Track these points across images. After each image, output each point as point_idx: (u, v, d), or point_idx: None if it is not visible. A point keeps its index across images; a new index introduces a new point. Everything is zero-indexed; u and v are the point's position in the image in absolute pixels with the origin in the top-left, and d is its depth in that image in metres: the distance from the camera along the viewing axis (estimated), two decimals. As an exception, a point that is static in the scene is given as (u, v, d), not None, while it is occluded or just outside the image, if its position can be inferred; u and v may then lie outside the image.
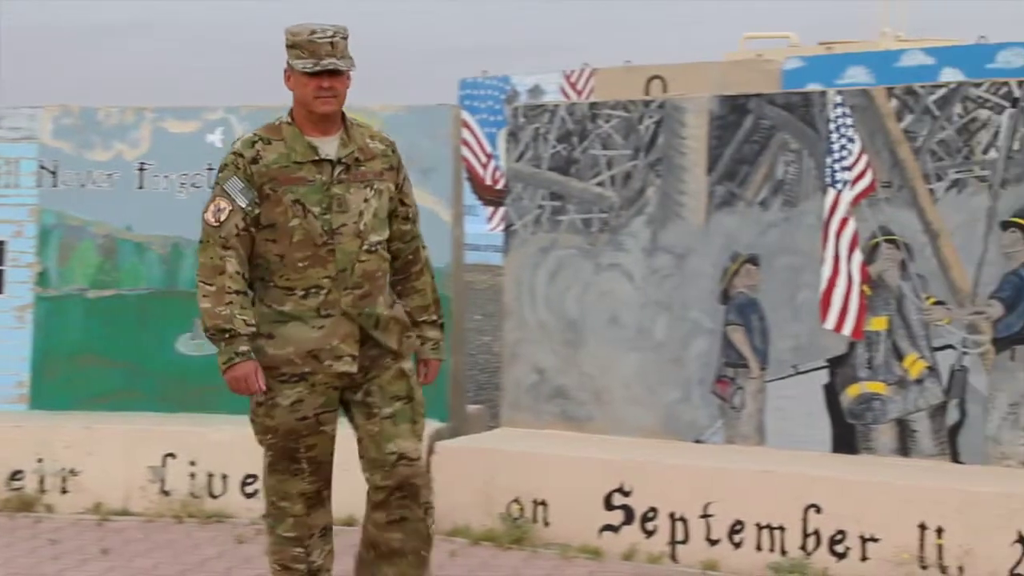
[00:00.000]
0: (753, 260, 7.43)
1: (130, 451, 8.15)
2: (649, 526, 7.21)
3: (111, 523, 7.99)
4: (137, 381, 8.51)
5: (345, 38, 5.56)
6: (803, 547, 6.80)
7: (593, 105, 8.07)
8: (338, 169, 5.58)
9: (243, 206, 5.51)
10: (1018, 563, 6.34)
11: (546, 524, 7.44)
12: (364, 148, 5.66)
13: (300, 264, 5.53)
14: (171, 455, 8.14)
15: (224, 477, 8.11)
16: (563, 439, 7.71)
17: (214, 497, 8.12)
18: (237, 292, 5.47)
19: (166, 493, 8.14)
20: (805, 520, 6.81)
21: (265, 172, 5.53)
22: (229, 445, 8.05)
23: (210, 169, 8.50)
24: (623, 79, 10.79)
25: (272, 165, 5.54)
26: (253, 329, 5.49)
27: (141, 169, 8.58)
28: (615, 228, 7.78)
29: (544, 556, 7.26)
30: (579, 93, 11.99)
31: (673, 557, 7.14)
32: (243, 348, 5.47)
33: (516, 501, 7.47)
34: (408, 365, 5.72)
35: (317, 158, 5.57)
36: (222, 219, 5.51)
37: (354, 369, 5.59)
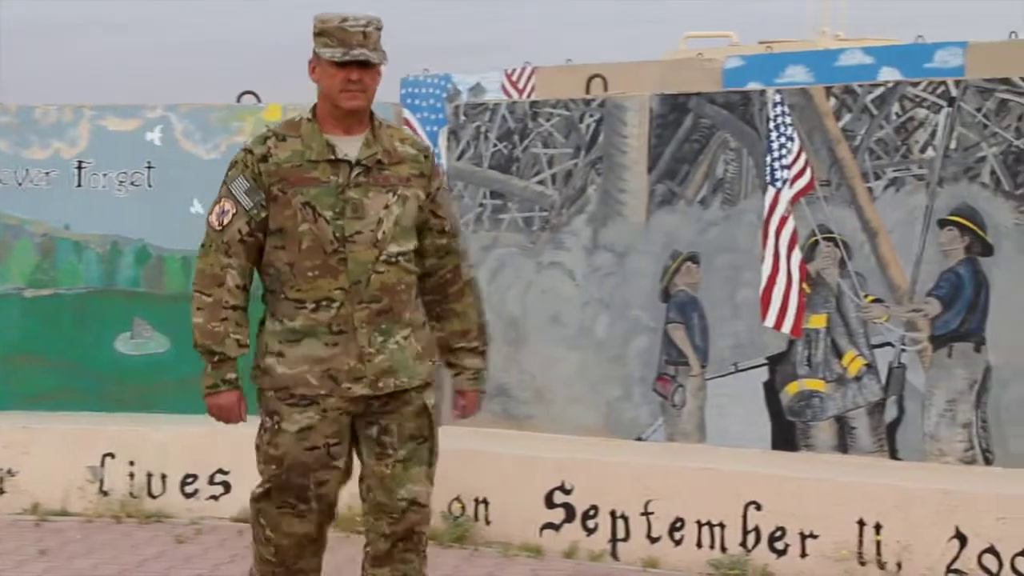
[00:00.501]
0: (693, 258, 7.46)
1: (68, 451, 8.11)
2: (590, 524, 7.24)
3: (49, 523, 7.95)
4: (75, 380, 8.47)
5: (379, 29, 5.04)
6: (743, 544, 6.84)
7: (534, 104, 8.10)
8: (356, 171, 5.03)
9: (247, 208, 5.02)
10: (955, 559, 6.40)
11: (487, 522, 7.46)
12: (391, 151, 5.10)
13: (310, 274, 5.00)
14: (110, 455, 8.12)
15: (163, 477, 8.09)
16: (504, 437, 7.72)
17: (153, 497, 8.10)
18: (234, 308, 5.02)
19: (105, 493, 8.11)
20: (745, 517, 6.85)
21: (275, 171, 5.02)
22: (168, 445, 8.04)
23: (149, 167, 8.49)
24: (564, 78, 10.79)
25: (284, 164, 5.02)
26: (246, 351, 5.06)
27: (79, 167, 8.55)
28: (556, 227, 7.80)
29: (485, 554, 7.28)
30: (520, 91, 11.99)
31: (614, 555, 7.17)
32: (230, 375, 5.05)
33: (457, 499, 7.49)
34: (431, 400, 5.17)
35: (334, 158, 5.03)
36: (225, 222, 5.03)
37: (373, 391, 5.06)
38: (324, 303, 5.01)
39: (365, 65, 4.99)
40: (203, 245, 5.08)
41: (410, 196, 5.10)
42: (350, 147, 5.06)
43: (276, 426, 5.06)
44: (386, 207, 5.05)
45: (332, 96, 5.02)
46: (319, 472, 5.09)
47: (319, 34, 5.02)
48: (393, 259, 5.05)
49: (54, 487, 8.10)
